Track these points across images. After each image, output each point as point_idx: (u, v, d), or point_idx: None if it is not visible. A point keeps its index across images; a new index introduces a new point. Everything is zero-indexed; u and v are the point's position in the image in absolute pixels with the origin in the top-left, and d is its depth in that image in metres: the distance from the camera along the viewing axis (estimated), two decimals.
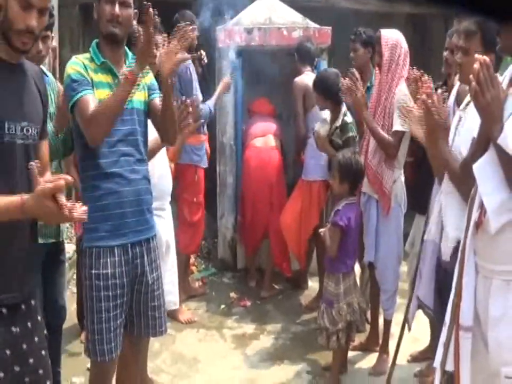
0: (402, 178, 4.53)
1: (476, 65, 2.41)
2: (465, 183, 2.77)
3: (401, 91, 4.30)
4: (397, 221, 4.52)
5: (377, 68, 4.55)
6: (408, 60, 4.41)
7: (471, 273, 2.63)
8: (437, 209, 3.36)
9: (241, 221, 6.23)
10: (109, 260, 3.13)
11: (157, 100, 3.29)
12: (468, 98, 3.12)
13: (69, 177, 2.19)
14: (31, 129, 2.46)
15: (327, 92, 4.86)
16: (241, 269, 6.47)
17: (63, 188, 2.15)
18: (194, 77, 5.23)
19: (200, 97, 5.25)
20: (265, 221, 5.95)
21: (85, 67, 3.09)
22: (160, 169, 3.95)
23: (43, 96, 2.61)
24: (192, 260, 6.18)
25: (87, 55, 3.18)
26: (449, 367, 2.71)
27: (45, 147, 2.64)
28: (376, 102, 4.47)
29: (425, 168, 4.17)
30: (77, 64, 3.10)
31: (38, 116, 2.54)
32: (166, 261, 4.13)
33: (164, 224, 4.03)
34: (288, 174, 6.21)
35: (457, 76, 3.59)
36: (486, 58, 2.43)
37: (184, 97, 3.46)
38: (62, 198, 2.14)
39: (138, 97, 3.20)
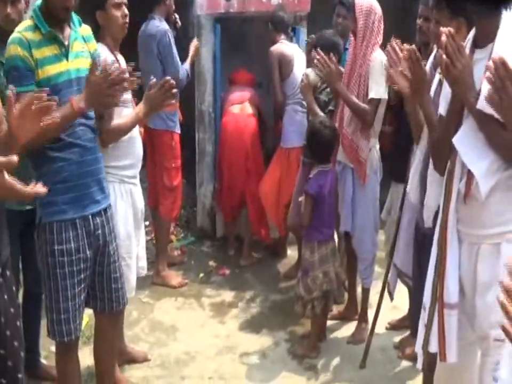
0: (377, 146, 4.54)
1: (443, 38, 2.44)
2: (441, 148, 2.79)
3: (377, 58, 4.30)
4: (373, 190, 4.54)
5: (351, 35, 4.49)
6: (382, 26, 4.37)
7: (454, 244, 2.67)
8: (416, 176, 3.36)
9: (218, 188, 6.21)
10: (71, 233, 3.09)
11: None
12: None
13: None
14: None
15: (331, 49, 4.62)
16: (220, 237, 6.47)
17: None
18: (173, 42, 5.21)
19: (179, 62, 5.24)
20: (242, 187, 5.95)
21: (29, 45, 2.98)
22: (131, 135, 3.90)
23: None
24: (171, 228, 6.15)
25: (30, 22, 3.06)
26: (434, 348, 2.77)
27: None
28: (351, 70, 4.43)
29: (402, 136, 4.22)
30: (20, 43, 2.98)
31: None
32: (141, 227, 4.11)
33: (138, 192, 4.00)
34: (268, 142, 6.17)
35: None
36: (451, 29, 2.46)
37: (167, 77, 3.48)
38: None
39: (84, 65, 3.15)
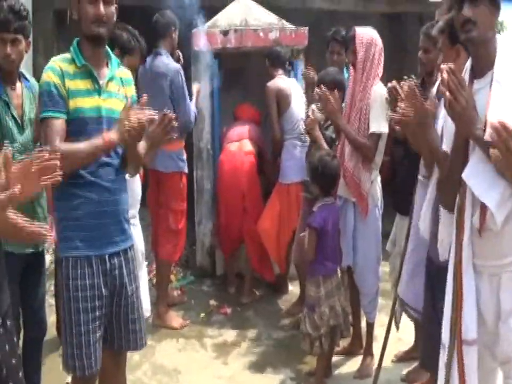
0: (379, 178, 4.49)
1: (444, 75, 2.43)
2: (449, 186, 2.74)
3: (377, 91, 4.26)
4: (375, 223, 4.47)
5: (351, 67, 4.46)
6: (382, 58, 4.35)
7: (470, 279, 2.61)
8: (428, 211, 3.28)
9: (217, 225, 6.13)
10: (86, 270, 3.02)
11: None
12: None
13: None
14: None
15: (334, 86, 4.54)
16: (220, 275, 6.37)
17: None
18: (185, 83, 5.12)
19: (190, 104, 5.17)
20: (239, 225, 5.86)
21: (62, 74, 2.96)
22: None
23: None
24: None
25: (68, 55, 3.05)
26: None
27: None
28: (351, 103, 4.39)
29: (404, 167, 4.22)
30: (54, 70, 2.97)
31: None
32: (141, 269, 4.03)
33: (137, 233, 3.93)
34: (267, 177, 6.09)
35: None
36: (451, 65, 2.45)
37: (167, 110, 3.34)
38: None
39: (117, 107, 3.08)
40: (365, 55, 4.28)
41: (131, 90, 3.26)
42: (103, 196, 3.04)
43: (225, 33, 5.96)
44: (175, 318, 5.46)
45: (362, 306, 4.63)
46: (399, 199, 4.39)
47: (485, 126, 2.44)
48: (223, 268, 6.34)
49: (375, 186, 4.43)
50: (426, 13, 8.11)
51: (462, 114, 2.47)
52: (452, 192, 2.69)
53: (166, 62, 5.11)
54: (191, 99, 5.32)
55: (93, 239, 3.03)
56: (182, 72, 5.09)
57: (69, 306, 3.02)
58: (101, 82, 3.03)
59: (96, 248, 3.04)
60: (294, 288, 6.01)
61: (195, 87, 5.61)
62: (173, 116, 3.29)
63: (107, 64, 3.14)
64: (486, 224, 2.54)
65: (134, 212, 3.89)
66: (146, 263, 5.51)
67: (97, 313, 3.05)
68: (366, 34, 4.32)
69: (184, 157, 5.37)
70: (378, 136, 4.28)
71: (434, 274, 3.23)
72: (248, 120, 6.06)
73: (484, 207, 2.51)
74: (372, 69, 4.30)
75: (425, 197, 3.30)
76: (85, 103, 2.99)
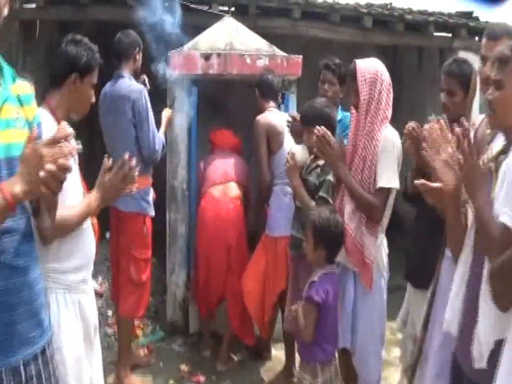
0: (385, 241, 3.78)
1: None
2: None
3: (387, 137, 3.59)
4: (380, 297, 3.75)
5: (352, 108, 3.77)
6: (391, 96, 3.66)
7: None
8: (457, 300, 2.52)
9: (194, 278, 5.38)
10: None
11: None
12: (500, 142, 2.41)
13: None
14: None
15: (316, 122, 3.86)
16: (194, 333, 5.61)
17: None
18: (150, 106, 4.61)
19: (155, 129, 4.63)
20: (222, 283, 5.13)
21: None
22: (80, 230, 3.03)
23: None
24: (136, 321, 5.30)
25: None
26: None
27: None
28: (353, 151, 3.71)
29: (427, 232, 3.50)
30: None
31: None
32: (94, 347, 3.20)
33: (89, 302, 3.11)
34: (250, 224, 5.35)
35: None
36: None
37: (129, 154, 2.69)
38: None
39: (17, 139, 2.18)
40: (369, 94, 3.60)
41: (32, 110, 2.34)
42: (9, 279, 2.18)
43: (206, 57, 5.34)
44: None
45: None
46: (413, 268, 3.72)
47: None
48: (197, 325, 5.59)
49: (380, 251, 3.71)
50: (427, 46, 7.74)
51: None
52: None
53: (128, 83, 4.64)
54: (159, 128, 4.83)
55: (1, 346, 2.17)
56: (145, 93, 4.62)
57: None
58: None
59: (4, 356, 2.18)
60: (277, 353, 5.28)
61: (165, 111, 5.07)
62: (135, 162, 2.70)
63: None
64: None
65: (85, 275, 3.07)
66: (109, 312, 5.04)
67: None
68: (370, 69, 3.63)
69: (150, 197, 4.74)
70: (387, 192, 3.60)
71: None
72: (229, 150, 5.35)
73: None
74: (379, 110, 3.61)
75: (453, 277, 2.57)
76: None
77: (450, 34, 7.59)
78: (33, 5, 6.57)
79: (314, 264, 3.61)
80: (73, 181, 2.85)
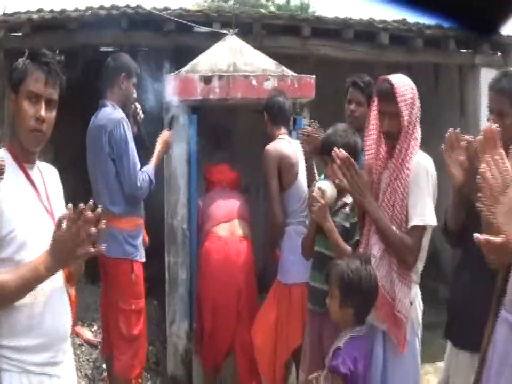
0: (419, 294, 3.26)
1: None
2: None
3: (420, 164, 3.13)
4: (413, 359, 3.25)
5: (382, 135, 3.27)
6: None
7: None
8: None
9: (198, 330, 4.91)
10: None
11: None
12: None
13: None
14: None
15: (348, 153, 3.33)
16: None
17: None
18: (130, 136, 4.23)
19: (136, 162, 4.23)
20: (230, 334, 4.68)
21: None
22: (48, 302, 2.45)
23: None
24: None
25: None
26: None
27: None
28: (382, 184, 3.22)
29: (475, 280, 3.01)
30: None
31: None
32: None
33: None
34: (258, 267, 4.99)
35: None
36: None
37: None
38: None
39: None
40: (409, 118, 3.11)
41: None
42: None
43: (207, 80, 5.03)
44: None
45: None
46: (454, 326, 3.18)
47: None
48: (202, 382, 5.08)
49: (415, 307, 3.19)
50: (446, 63, 7.64)
51: None
52: None
53: (109, 112, 4.25)
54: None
55: None
56: (125, 122, 4.23)
57: None
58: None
59: None
60: None
61: (162, 135, 4.56)
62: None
63: None
64: None
65: (49, 356, 2.43)
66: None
67: None
68: (407, 88, 3.14)
69: (138, 241, 4.31)
70: (422, 230, 3.09)
71: None
72: (228, 187, 4.98)
73: None
74: (414, 135, 3.13)
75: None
76: None
77: (470, 50, 7.28)
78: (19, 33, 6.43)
79: (340, 325, 3.10)
80: (34, 237, 2.33)
